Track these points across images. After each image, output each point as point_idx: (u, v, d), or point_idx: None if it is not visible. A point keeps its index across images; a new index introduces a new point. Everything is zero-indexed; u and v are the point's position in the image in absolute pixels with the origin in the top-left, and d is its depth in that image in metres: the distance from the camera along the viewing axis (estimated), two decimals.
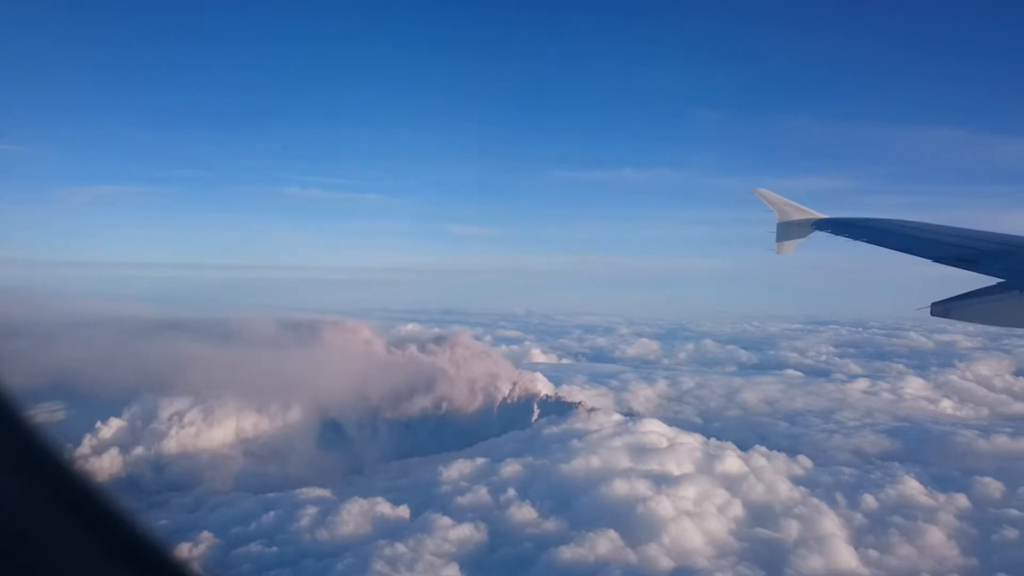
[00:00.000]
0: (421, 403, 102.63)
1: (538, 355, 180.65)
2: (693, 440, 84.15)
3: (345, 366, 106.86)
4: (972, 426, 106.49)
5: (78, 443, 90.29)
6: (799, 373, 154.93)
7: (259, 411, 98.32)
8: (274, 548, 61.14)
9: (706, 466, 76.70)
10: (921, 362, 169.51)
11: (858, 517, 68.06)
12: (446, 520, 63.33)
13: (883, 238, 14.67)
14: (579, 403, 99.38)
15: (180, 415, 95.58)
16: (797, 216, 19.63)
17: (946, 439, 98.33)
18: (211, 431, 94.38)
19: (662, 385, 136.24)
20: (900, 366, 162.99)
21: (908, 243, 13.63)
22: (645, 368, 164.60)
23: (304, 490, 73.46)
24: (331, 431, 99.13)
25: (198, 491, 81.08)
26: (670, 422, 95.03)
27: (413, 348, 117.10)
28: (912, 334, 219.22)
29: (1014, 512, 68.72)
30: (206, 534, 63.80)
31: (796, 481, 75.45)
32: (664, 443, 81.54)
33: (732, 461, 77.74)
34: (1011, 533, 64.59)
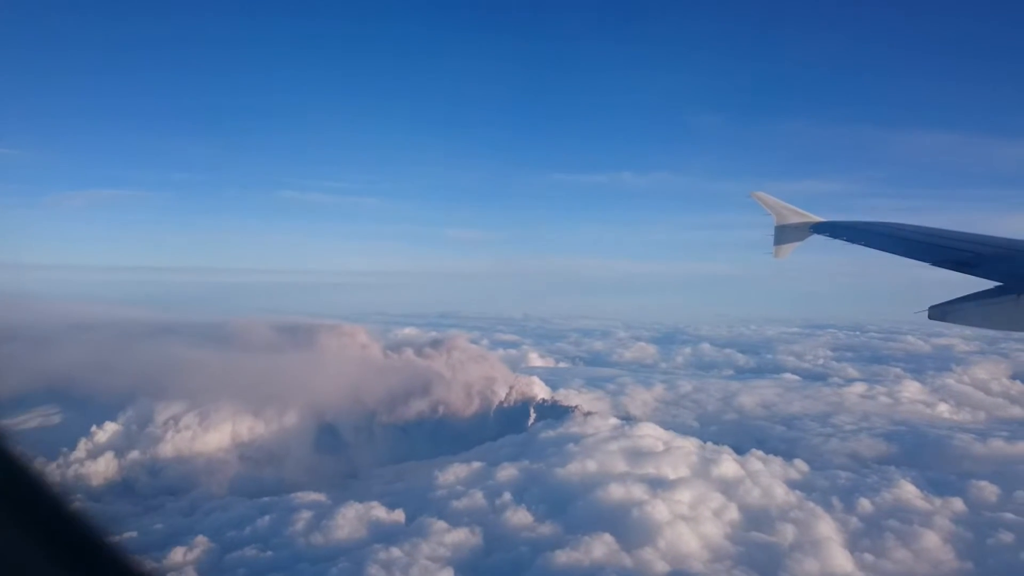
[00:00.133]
0: (417, 407, 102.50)
1: (535, 359, 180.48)
2: (689, 444, 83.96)
3: (341, 370, 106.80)
4: (969, 430, 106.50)
5: (73, 447, 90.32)
6: (796, 377, 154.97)
7: (255, 415, 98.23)
8: (269, 552, 61.04)
9: (702, 470, 76.56)
10: (918, 366, 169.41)
11: (854, 521, 68.00)
12: (441, 524, 63.23)
13: (880, 241, 14.62)
14: (575, 407, 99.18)
15: (176, 419, 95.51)
16: (795, 219, 19.60)
17: (943, 443, 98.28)
18: (207, 435, 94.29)
19: (659, 389, 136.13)
20: (897, 370, 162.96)
21: (905, 246, 13.58)
22: (642, 372, 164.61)
23: (299, 494, 73.31)
24: (327, 435, 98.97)
25: (193, 495, 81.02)
26: (667, 426, 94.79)
27: (410, 352, 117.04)
28: (909, 338, 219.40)
29: (1010, 516, 68.65)
30: (201, 538, 63.63)
31: (792, 485, 75.36)
32: (660, 447, 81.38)
33: (728, 465, 77.59)
34: (1006, 537, 64.51)
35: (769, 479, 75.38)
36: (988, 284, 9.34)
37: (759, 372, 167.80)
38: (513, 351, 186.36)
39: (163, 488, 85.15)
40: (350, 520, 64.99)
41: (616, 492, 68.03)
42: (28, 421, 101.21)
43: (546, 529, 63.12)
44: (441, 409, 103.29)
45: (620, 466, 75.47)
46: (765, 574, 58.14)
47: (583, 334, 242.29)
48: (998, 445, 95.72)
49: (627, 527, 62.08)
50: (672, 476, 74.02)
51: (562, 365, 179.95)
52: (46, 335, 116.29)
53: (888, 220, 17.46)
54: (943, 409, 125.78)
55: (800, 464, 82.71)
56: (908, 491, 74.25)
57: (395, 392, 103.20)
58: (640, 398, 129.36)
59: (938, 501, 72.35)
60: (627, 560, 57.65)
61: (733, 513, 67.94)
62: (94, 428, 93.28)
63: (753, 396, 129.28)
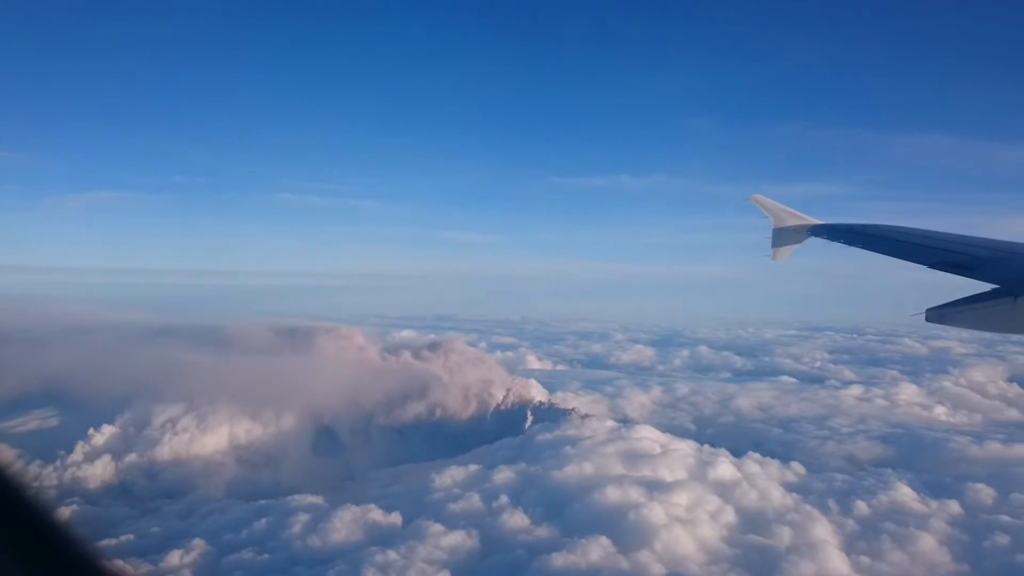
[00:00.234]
0: (415, 410, 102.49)
1: (533, 361, 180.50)
2: (686, 446, 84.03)
3: (339, 373, 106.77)
4: (965, 432, 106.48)
5: (70, 450, 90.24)
6: (793, 379, 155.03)
7: (252, 418, 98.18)
8: (265, 555, 60.98)
9: (699, 472, 76.59)
10: (915, 368, 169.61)
11: (850, 523, 68.05)
12: (438, 527, 63.23)
13: (878, 244, 14.63)
14: (573, 409, 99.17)
15: (173, 422, 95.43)
16: (792, 222, 19.59)
17: (939, 445, 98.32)
18: (204, 438, 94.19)
19: (656, 391, 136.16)
20: (894, 372, 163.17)
21: (903, 249, 13.60)
22: (640, 374, 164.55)
23: (296, 497, 73.26)
24: (324, 438, 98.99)
25: (191, 498, 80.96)
26: (664, 428, 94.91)
27: (407, 354, 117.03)
28: (907, 340, 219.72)
29: (1006, 518, 68.66)
30: (198, 541, 63.55)
31: (789, 487, 75.41)
32: (657, 450, 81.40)
33: (725, 468, 77.63)
34: (1002, 539, 64.56)
35: (766, 482, 75.40)
36: (985, 287, 9.34)
37: (756, 375, 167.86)
38: (511, 354, 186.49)
39: (160, 491, 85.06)
40: (347, 523, 64.95)
41: (613, 495, 68.04)
42: (25, 424, 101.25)
43: (543, 532, 63.13)
44: (438, 412, 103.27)
45: (617, 469, 75.48)
46: None
47: (581, 337, 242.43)
48: (995, 448, 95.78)
49: (624, 530, 62.07)
50: (669, 479, 74.07)
51: (560, 368, 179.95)
52: (44, 338, 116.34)
53: (885, 223, 17.53)
54: (940, 412, 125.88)
55: (797, 467, 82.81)
56: (904, 494, 74.31)
57: (392, 395, 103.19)
58: (637, 400, 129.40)
59: (934, 503, 72.41)
60: (623, 563, 57.62)
61: (730, 516, 67.92)
62: (91, 431, 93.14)
63: (750, 399, 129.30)
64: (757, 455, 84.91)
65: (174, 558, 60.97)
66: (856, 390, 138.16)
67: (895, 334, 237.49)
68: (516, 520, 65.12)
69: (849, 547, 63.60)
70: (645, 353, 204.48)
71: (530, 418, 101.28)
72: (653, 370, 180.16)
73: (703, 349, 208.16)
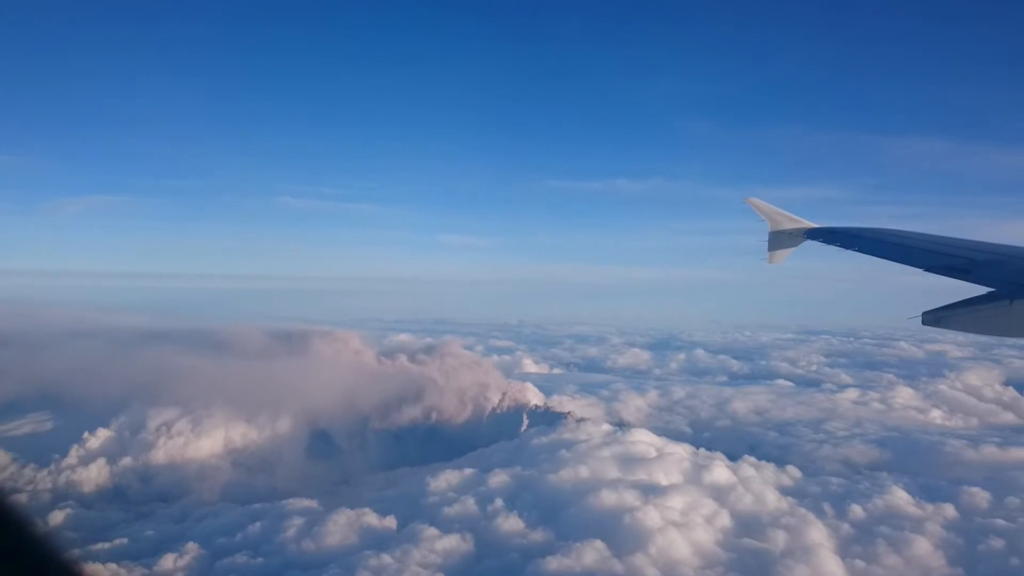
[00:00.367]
0: (410, 413, 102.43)
1: (530, 365, 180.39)
2: (682, 450, 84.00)
3: (335, 376, 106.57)
4: (961, 436, 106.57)
5: (65, 453, 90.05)
6: (790, 383, 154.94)
7: (248, 421, 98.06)
8: (259, 559, 60.93)
9: (694, 476, 76.54)
10: (911, 372, 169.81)
11: (845, 527, 68.02)
12: (433, 531, 63.17)
13: (874, 247, 14.64)
14: (568, 413, 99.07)
15: (168, 425, 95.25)
16: (789, 225, 19.56)
17: (935, 449, 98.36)
18: (199, 442, 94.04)
19: (653, 395, 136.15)
20: (890, 376, 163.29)
21: (899, 252, 13.62)
22: (636, 378, 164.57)
23: (291, 501, 73.18)
24: (320, 441, 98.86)
25: (185, 502, 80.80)
26: (660, 432, 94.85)
27: (403, 358, 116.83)
28: (903, 344, 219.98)
29: (1001, 522, 68.75)
30: (192, 545, 63.45)
31: (784, 491, 75.41)
32: (653, 453, 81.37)
33: (721, 471, 77.59)
34: (997, 543, 64.64)
35: (761, 485, 75.38)
36: (981, 290, 9.35)
37: (753, 378, 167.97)
38: (507, 357, 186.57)
39: (155, 495, 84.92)
40: (341, 527, 64.91)
41: (608, 498, 67.97)
42: (20, 427, 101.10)
43: (537, 536, 63.05)
44: (434, 415, 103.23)
45: (612, 472, 75.48)
46: None
47: (578, 340, 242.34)
48: (990, 451, 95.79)
49: (619, 533, 61.99)
50: (664, 482, 74.02)
51: (556, 371, 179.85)
52: (39, 341, 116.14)
53: (882, 226, 17.52)
54: (936, 415, 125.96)
55: (792, 470, 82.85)
56: (900, 497, 74.31)
57: (388, 398, 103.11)
58: (634, 404, 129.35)
59: (930, 507, 72.40)
60: (618, 567, 57.56)
61: (725, 519, 67.88)
62: (86, 434, 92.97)
63: (746, 402, 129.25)
64: (753, 459, 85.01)
65: (168, 562, 60.88)
66: (852, 393, 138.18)
67: (891, 337, 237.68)
68: (511, 524, 65.06)
69: (844, 551, 63.53)
70: (641, 356, 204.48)
71: (526, 421, 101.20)
72: (649, 373, 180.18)
73: (699, 352, 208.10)
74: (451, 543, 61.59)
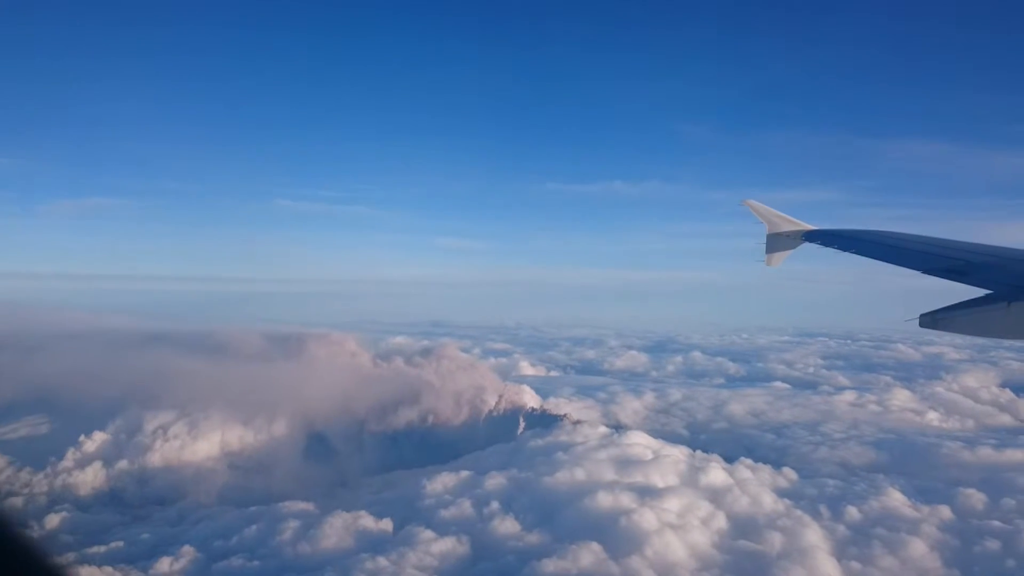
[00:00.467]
0: (407, 416, 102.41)
1: (526, 367, 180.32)
2: (679, 452, 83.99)
3: (331, 379, 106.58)
4: (957, 438, 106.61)
5: (62, 456, 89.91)
6: (787, 385, 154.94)
7: (245, 424, 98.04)
8: (255, 562, 60.91)
9: (691, 478, 76.53)
10: (908, 374, 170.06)
11: (841, 529, 67.94)
12: (429, 533, 63.17)
13: (872, 249, 14.63)
14: (565, 415, 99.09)
15: (165, 428, 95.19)
16: (787, 228, 19.48)
17: (931, 451, 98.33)
18: (196, 444, 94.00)
19: (649, 397, 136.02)
20: (887, 378, 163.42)
21: (896, 255, 13.62)
22: (633, 380, 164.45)
23: (287, 503, 73.12)
24: (317, 444, 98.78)
25: (181, 504, 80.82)
26: (656, 434, 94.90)
27: (400, 361, 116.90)
28: (900, 346, 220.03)
29: (996, 524, 68.75)
30: (188, 548, 63.40)
31: (781, 493, 75.37)
32: (649, 455, 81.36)
33: (717, 473, 77.58)
34: (993, 544, 64.65)
35: (757, 487, 75.37)
36: (978, 292, 9.38)
37: (750, 380, 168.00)
38: (504, 360, 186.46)
39: (151, 497, 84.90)
40: (337, 529, 64.87)
41: (604, 501, 67.97)
42: (16, 430, 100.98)
43: (533, 538, 63.03)
44: (430, 418, 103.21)
45: (608, 474, 75.45)
46: None
47: (575, 343, 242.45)
48: (986, 453, 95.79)
49: (615, 536, 61.99)
50: (661, 484, 73.98)
51: (553, 374, 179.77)
52: (35, 344, 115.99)
53: (879, 229, 17.53)
54: (932, 417, 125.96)
55: (789, 472, 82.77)
56: (896, 499, 74.29)
57: (384, 401, 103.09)
58: (630, 406, 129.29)
59: (925, 509, 72.35)
60: (614, 569, 57.55)
61: (721, 521, 67.84)
62: (83, 437, 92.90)
63: (743, 404, 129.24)
64: (749, 461, 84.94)
65: (164, 565, 60.84)
66: (849, 396, 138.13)
67: (889, 340, 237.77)
68: (507, 526, 65.05)
69: (840, 552, 63.51)
70: (639, 359, 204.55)
71: (522, 424, 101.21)
72: (647, 376, 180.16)
73: (697, 355, 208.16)
74: (447, 545, 61.57)
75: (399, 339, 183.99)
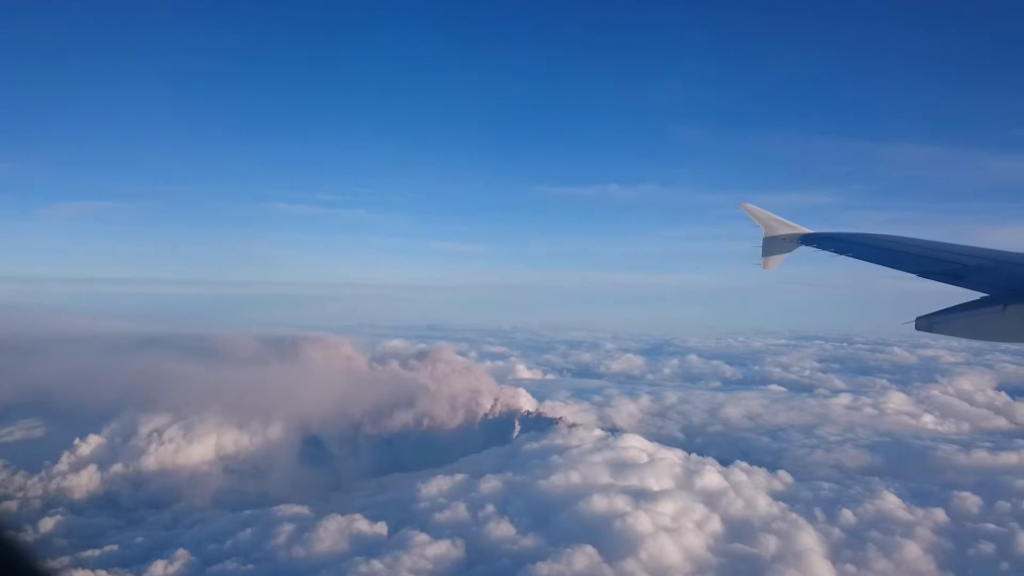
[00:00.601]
0: (402, 419, 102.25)
1: (523, 371, 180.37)
2: (674, 455, 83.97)
3: (327, 382, 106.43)
4: (953, 441, 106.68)
5: (56, 460, 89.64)
6: (783, 388, 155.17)
7: (240, 428, 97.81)
8: (250, 565, 60.79)
9: (686, 481, 76.56)
10: (904, 377, 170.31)
11: (836, 532, 68.06)
12: (423, 537, 63.06)
13: (868, 253, 14.60)
14: (560, 419, 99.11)
15: (160, 432, 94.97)
16: (783, 231, 19.43)
17: (926, 454, 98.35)
18: (191, 448, 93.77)
19: (645, 400, 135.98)
20: (883, 381, 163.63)
21: (893, 258, 13.59)
22: (629, 383, 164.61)
23: (282, 507, 72.95)
24: (312, 447, 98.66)
25: (176, 508, 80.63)
26: (652, 437, 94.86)
27: (395, 364, 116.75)
28: (896, 349, 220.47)
29: (991, 526, 68.89)
30: (182, 551, 63.24)
31: (776, 496, 75.41)
32: (644, 459, 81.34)
33: (712, 476, 77.64)
34: (987, 547, 64.78)
35: (752, 490, 75.43)
36: (974, 295, 9.33)
37: (746, 384, 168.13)
38: (501, 363, 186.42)
39: (146, 501, 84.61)
40: (332, 533, 64.78)
41: (599, 504, 67.96)
42: (11, 434, 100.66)
43: (528, 541, 62.98)
44: (426, 421, 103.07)
45: (604, 478, 75.40)
46: None
47: (571, 346, 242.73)
48: (981, 456, 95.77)
49: (609, 539, 61.99)
50: (656, 488, 73.98)
51: (549, 377, 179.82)
52: (31, 347, 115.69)
53: (875, 232, 17.55)
54: (928, 420, 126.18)
55: (784, 475, 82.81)
56: (891, 502, 74.39)
57: (380, 404, 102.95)
58: (626, 410, 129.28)
59: (920, 512, 72.49)
60: (609, 572, 57.59)
61: (716, 525, 67.87)
62: (78, 441, 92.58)
63: (739, 407, 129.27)
64: (744, 464, 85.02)
65: (158, 568, 60.69)
66: (845, 399, 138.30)
67: (885, 343, 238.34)
68: (502, 529, 65.00)
69: (835, 555, 63.63)
70: (635, 362, 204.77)
71: (518, 427, 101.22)
72: (643, 379, 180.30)
73: (693, 358, 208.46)
74: (442, 549, 61.48)
75: (395, 342, 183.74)
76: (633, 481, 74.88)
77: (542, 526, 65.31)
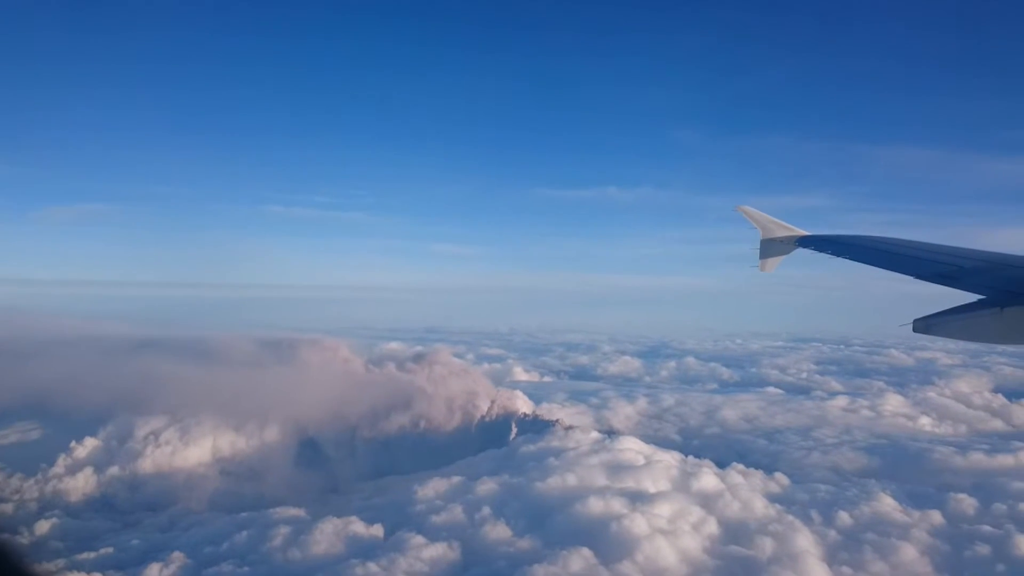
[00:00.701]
0: (399, 421, 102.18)
1: (520, 373, 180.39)
2: (671, 458, 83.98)
3: (323, 385, 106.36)
4: (949, 443, 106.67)
5: (53, 462, 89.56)
6: (780, 390, 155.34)
7: (236, 430, 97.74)
8: (246, 568, 60.70)
9: (682, 484, 76.52)
10: (901, 379, 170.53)
11: (832, 534, 68.05)
12: (420, 539, 62.98)
13: (866, 255, 14.58)
14: (557, 421, 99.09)
15: (156, 434, 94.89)
16: (780, 233, 19.40)
17: (923, 456, 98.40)
18: (187, 450, 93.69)
19: (642, 403, 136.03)
20: (880, 383, 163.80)
21: (890, 260, 13.56)
22: (626, 386, 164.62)
23: (279, 509, 72.95)
24: (308, 450, 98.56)
25: (172, 511, 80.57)
26: (649, 440, 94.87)
27: (392, 366, 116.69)
28: (893, 351, 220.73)
29: (987, 529, 68.84)
30: (177, 554, 63.16)
31: (772, 498, 75.42)
32: (641, 461, 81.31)
33: (709, 479, 77.61)
34: (983, 549, 64.75)
35: (749, 493, 75.40)
36: (972, 297, 9.32)
37: (743, 386, 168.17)
38: (498, 365, 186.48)
39: (142, 504, 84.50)
40: (328, 535, 64.71)
41: (595, 506, 67.92)
42: (7, 436, 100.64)
43: (524, 543, 62.91)
44: (423, 423, 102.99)
45: (600, 480, 75.37)
46: None
47: (568, 348, 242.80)
48: (978, 458, 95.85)
49: (606, 541, 61.94)
50: (652, 490, 73.94)
51: (547, 379, 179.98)
52: (27, 349, 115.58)
53: (872, 234, 17.55)
54: (925, 422, 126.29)
55: (781, 477, 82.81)
56: (887, 504, 74.41)
57: (377, 406, 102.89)
58: (623, 412, 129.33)
59: (916, 514, 72.50)
60: (605, 574, 57.50)
61: (712, 527, 67.84)
62: (74, 443, 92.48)
63: (736, 410, 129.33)
64: (741, 466, 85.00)
65: (154, 571, 60.61)
66: (842, 401, 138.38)
67: (882, 345, 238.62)
68: (498, 532, 64.95)
69: (831, 557, 63.61)
70: (632, 364, 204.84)
71: (514, 430, 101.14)
72: (640, 381, 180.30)
73: (690, 360, 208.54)
74: (438, 551, 61.40)
75: (392, 345, 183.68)
76: (630, 483, 74.85)
77: (538, 528, 65.25)
